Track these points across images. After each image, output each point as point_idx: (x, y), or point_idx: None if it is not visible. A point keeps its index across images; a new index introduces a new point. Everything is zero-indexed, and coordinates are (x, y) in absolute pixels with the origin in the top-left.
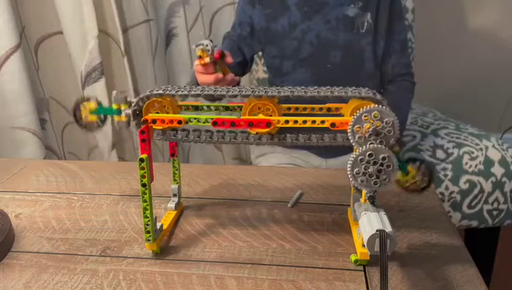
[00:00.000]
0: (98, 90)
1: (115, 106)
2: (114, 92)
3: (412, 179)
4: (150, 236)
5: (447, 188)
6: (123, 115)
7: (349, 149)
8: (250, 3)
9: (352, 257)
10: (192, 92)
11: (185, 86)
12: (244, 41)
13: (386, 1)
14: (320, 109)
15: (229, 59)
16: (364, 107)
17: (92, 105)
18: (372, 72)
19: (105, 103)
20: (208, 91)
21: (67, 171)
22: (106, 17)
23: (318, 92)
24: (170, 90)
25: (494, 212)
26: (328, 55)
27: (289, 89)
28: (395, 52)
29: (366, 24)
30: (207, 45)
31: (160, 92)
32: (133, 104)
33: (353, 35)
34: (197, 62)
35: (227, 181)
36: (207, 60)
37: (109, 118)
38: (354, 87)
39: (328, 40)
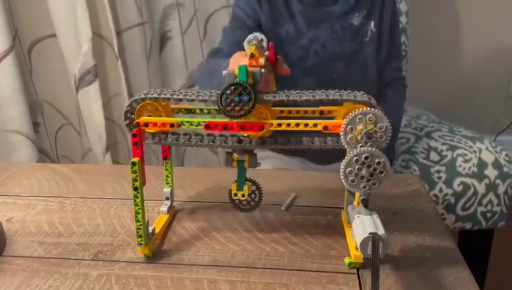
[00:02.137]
0: (91, 93)
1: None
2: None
3: (241, 197)
4: (142, 240)
5: (441, 190)
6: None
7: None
8: (257, 0)
9: (346, 260)
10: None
11: (180, 90)
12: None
13: (388, 9)
14: (313, 112)
15: (286, 70)
16: (357, 110)
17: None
18: (375, 79)
19: (99, 104)
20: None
21: (59, 174)
22: (100, 19)
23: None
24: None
25: (488, 214)
26: (332, 65)
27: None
28: (393, 57)
29: (369, 33)
30: (262, 40)
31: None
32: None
33: (357, 44)
34: (245, 62)
35: (220, 184)
36: (261, 61)
37: (103, 122)
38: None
39: (334, 50)
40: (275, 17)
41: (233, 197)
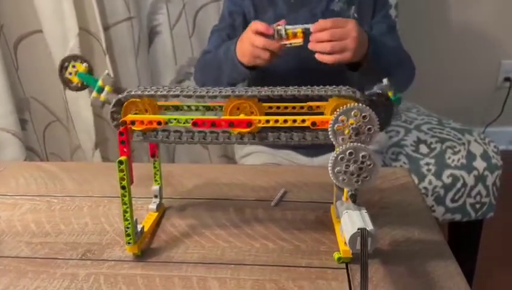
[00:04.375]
0: None
1: (100, 83)
2: (106, 72)
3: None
4: (131, 239)
5: (430, 182)
6: (103, 95)
7: (334, 147)
8: None
9: (336, 255)
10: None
11: (163, 86)
12: (236, 31)
13: None
14: (301, 107)
15: None
16: (345, 105)
17: (81, 68)
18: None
19: (87, 101)
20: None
21: (47, 173)
22: (87, 14)
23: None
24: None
25: (477, 206)
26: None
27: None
28: (383, 35)
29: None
30: None
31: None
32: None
33: None
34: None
35: (210, 181)
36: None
37: (92, 118)
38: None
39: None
40: (256, 5)
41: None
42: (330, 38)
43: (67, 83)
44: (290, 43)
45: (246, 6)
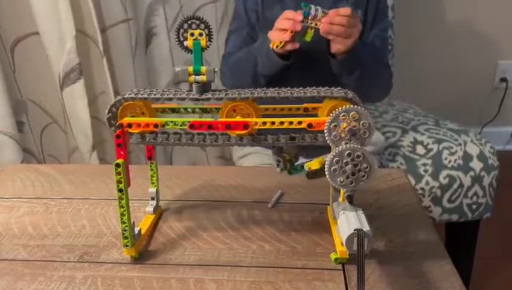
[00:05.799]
0: (76, 91)
1: (203, 69)
2: (215, 69)
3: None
4: (128, 241)
5: (427, 183)
6: (196, 78)
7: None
8: None
9: (332, 256)
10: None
11: (157, 89)
12: (254, 29)
13: (374, 1)
14: (298, 109)
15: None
16: (341, 107)
17: (203, 42)
18: None
19: (84, 102)
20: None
21: (44, 175)
22: (84, 16)
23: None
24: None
25: (474, 206)
26: (318, 48)
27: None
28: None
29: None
30: None
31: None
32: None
33: None
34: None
35: (207, 182)
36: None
37: (89, 120)
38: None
39: (318, 32)
40: (265, 2)
41: None
42: (346, 25)
43: (181, 41)
44: (315, 23)
45: (258, 2)
